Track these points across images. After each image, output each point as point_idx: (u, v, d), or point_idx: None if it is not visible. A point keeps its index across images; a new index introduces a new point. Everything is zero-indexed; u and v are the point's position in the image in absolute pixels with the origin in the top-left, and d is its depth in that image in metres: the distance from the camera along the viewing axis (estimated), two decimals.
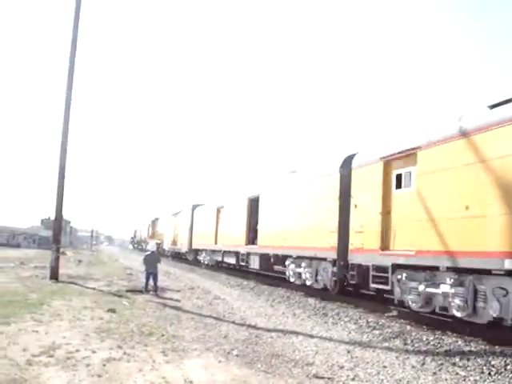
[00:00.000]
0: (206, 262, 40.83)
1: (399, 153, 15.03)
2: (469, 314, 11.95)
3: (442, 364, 9.70)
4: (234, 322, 13.53)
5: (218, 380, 7.83)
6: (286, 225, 22.91)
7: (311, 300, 18.40)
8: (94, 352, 8.88)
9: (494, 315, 11.14)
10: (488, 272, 11.31)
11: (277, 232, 23.99)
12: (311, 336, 12.15)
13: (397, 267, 14.54)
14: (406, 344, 11.47)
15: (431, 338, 11.78)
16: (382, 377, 8.76)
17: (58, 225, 23.13)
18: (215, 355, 9.47)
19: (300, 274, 21.53)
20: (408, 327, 13.08)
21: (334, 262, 18.34)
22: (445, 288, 12.57)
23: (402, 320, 14.21)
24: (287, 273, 23.00)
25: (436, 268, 12.93)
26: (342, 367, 9.26)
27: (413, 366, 9.57)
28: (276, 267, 26.04)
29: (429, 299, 13.49)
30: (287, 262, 22.95)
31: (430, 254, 13.00)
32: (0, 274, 23.67)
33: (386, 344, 11.54)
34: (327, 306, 16.96)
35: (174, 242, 53.91)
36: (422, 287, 13.37)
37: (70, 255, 49.10)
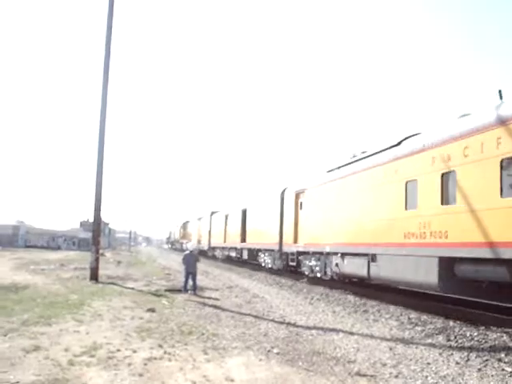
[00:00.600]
0: (219, 257, 52.98)
1: (300, 190, 27.41)
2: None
3: (487, 360, 9.45)
4: (273, 320, 13.44)
5: (260, 378, 7.76)
6: (258, 228, 36.38)
7: (350, 297, 18.22)
8: (134, 351, 8.91)
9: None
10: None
11: (254, 233, 37.67)
12: (352, 333, 11.99)
13: (299, 253, 26.78)
14: (449, 340, 11.23)
15: (475, 334, 11.50)
16: (426, 373, 8.58)
17: (96, 226, 23.37)
18: (255, 353, 9.40)
19: (265, 260, 34.89)
20: (451, 323, 12.79)
21: (278, 251, 30.66)
22: (313, 262, 24.62)
23: (444, 316, 13.92)
24: (260, 260, 36.25)
25: (320, 253, 23.61)
26: (384, 364, 9.10)
27: (457, 363, 9.35)
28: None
29: (312, 269, 24.97)
30: (260, 254, 36.14)
31: (313, 246, 24.54)
32: (41, 275, 24.05)
33: (429, 340, 11.32)
34: (367, 302, 16.76)
35: (199, 242, 64.39)
36: (307, 263, 25.52)
37: (109, 256, 49.66)
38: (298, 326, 12.70)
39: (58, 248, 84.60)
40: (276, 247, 30.56)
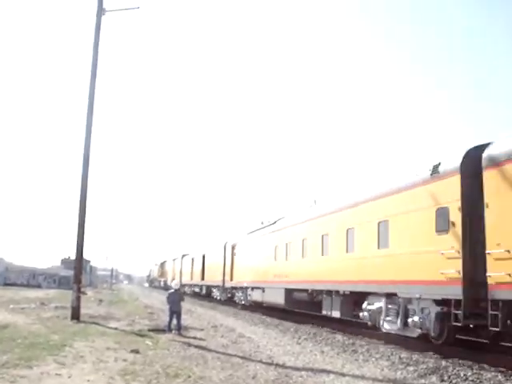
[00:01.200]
0: (188, 292, 60.91)
1: (234, 243, 40.40)
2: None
3: None
4: (261, 361, 13.09)
5: None
6: (211, 269, 48.38)
7: (339, 336, 17.90)
8: None
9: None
10: None
11: (209, 273, 50.15)
12: (342, 374, 11.68)
13: (233, 288, 39.83)
14: (443, 381, 10.96)
15: (469, 374, 11.23)
16: None
17: (78, 265, 22.91)
18: None
19: (215, 293, 46.45)
20: (443, 362, 12.50)
21: (222, 287, 42.99)
22: (240, 294, 37.83)
23: (436, 355, 13.66)
24: (212, 294, 48.17)
25: (242, 287, 36.79)
26: None
27: None
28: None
29: (240, 299, 37.50)
30: (213, 289, 47.75)
31: (239, 283, 37.33)
32: (21, 315, 23.43)
33: (422, 381, 11.05)
34: (356, 342, 16.45)
35: (173, 279, 67.40)
36: (237, 294, 38.65)
37: (90, 295, 48.80)
38: (286, 367, 12.36)
39: (39, 286, 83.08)
40: (221, 284, 43.49)
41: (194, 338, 17.50)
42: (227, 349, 15.17)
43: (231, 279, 39.63)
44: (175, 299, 19.24)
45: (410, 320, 14.87)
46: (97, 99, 22.92)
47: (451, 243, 13.25)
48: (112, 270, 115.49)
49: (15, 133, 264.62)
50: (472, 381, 10.75)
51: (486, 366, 12.11)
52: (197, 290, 57.86)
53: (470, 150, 13.61)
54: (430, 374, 11.54)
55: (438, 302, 13.92)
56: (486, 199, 12.41)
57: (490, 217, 12.26)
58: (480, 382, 10.64)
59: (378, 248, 16.77)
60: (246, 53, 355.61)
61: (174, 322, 18.84)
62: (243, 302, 36.22)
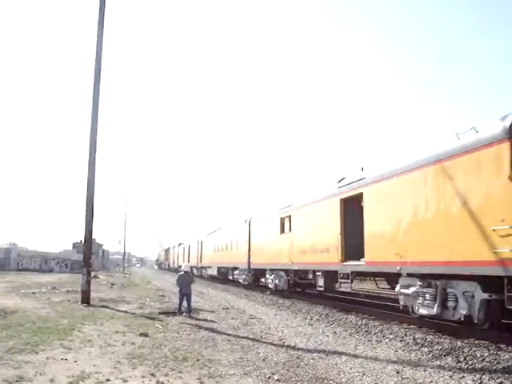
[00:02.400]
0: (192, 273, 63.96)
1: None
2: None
3: (501, 383, 8.91)
4: (272, 343, 12.86)
5: None
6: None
7: (351, 317, 17.57)
8: (125, 381, 8.31)
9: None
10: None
11: (207, 256, 54.84)
12: (355, 356, 11.42)
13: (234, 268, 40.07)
14: (459, 362, 10.63)
15: (486, 354, 10.87)
16: None
17: (87, 248, 22.78)
18: (255, 380, 8.82)
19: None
20: (459, 343, 12.17)
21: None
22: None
23: (451, 336, 13.32)
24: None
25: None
26: None
27: None
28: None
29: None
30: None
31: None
32: (32, 299, 23.34)
33: (438, 362, 10.75)
34: (369, 322, 16.14)
35: (173, 262, 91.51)
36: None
37: (102, 278, 48.74)
38: (298, 349, 12.13)
39: (51, 271, 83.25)
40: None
41: (205, 320, 17.31)
42: (238, 331, 14.96)
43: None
44: (185, 282, 19.05)
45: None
46: (103, 88, 22.63)
47: None
48: (124, 254, 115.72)
49: (25, 119, 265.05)
50: (489, 362, 10.40)
51: (503, 346, 11.75)
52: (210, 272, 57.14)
53: None
54: (445, 355, 11.23)
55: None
56: None
57: None
58: (497, 362, 10.28)
59: None
60: (247, 42, 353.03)
61: (185, 304, 18.66)
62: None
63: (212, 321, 17.15)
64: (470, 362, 10.51)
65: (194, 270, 59.98)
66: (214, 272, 51.61)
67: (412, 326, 15.11)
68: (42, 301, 22.52)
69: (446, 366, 10.40)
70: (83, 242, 23.95)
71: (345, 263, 19.02)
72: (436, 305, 13.82)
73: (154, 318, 16.99)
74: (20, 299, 23.28)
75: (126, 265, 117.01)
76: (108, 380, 8.33)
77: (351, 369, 10.11)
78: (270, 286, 30.22)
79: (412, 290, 14.85)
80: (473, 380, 9.15)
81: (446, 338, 12.99)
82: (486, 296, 12.24)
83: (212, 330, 14.97)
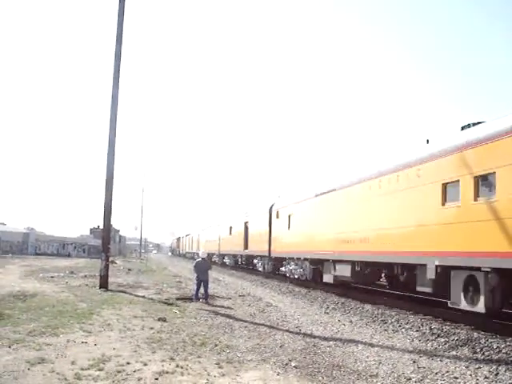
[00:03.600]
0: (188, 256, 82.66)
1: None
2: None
3: None
4: (288, 331, 12.94)
5: None
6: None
7: (368, 306, 17.61)
8: (145, 364, 8.43)
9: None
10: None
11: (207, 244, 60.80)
12: (372, 345, 11.46)
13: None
14: (475, 352, 10.65)
15: (502, 346, 10.88)
16: None
17: (106, 233, 22.99)
18: (272, 367, 8.91)
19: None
20: (475, 334, 12.18)
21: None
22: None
23: (468, 326, 13.33)
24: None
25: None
26: (409, 379, 8.58)
27: (486, 377, 8.81)
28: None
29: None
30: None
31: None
32: (50, 283, 23.66)
33: (454, 352, 10.77)
34: (385, 312, 16.17)
35: (183, 249, 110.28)
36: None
37: (119, 264, 49.21)
38: (314, 337, 12.20)
39: (68, 255, 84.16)
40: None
41: (222, 306, 17.44)
42: (254, 318, 15.06)
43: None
44: (202, 268, 19.18)
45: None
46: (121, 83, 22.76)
47: None
48: (141, 239, 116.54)
49: (46, 106, 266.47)
50: (506, 353, 10.41)
51: None
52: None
53: None
54: (461, 346, 11.26)
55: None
56: None
57: None
58: None
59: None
60: (251, 35, 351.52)
61: (202, 290, 18.80)
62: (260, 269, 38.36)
63: (229, 307, 17.27)
64: (486, 353, 10.53)
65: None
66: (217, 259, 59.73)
67: (428, 317, 15.11)
68: (60, 285, 22.83)
69: (463, 356, 10.42)
70: (101, 227, 24.19)
71: None
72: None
73: (171, 304, 17.17)
74: (39, 283, 23.61)
75: (142, 251, 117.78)
76: (128, 363, 8.46)
77: (368, 357, 10.16)
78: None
79: None
80: (489, 371, 9.16)
81: (462, 329, 13.00)
82: None
83: (229, 316, 15.10)
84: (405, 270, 17.43)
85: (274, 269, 34.65)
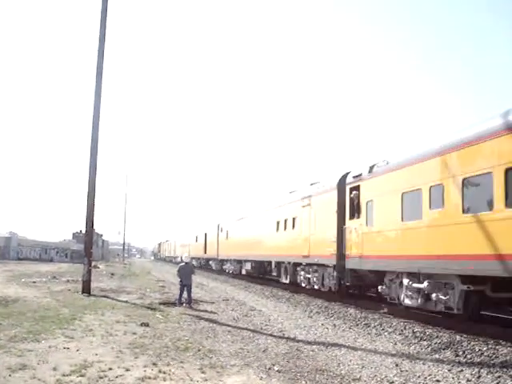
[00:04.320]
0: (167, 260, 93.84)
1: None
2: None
3: (499, 377, 8.97)
4: (272, 335, 12.95)
5: None
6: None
7: (351, 310, 17.67)
8: (127, 370, 8.37)
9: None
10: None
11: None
12: (355, 348, 11.51)
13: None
14: (457, 355, 10.72)
15: (484, 349, 10.94)
16: None
17: (89, 238, 22.85)
18: (255, 371, 8.90)
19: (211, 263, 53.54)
20: (458, 337, 12.25)
21: (217, 259, 48.46)
22: (229, 265, 44.91)
23: (450, 330, 13.41)
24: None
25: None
26: (391, 382, 8.65)
27: (468, 380, 8.90)
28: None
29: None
30: (211, 261, 54.56)
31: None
32: (32, 288, 23.47)
33: (436, 356, 10.84)
34: (368, 315, 16.23)
35: (163, 254, 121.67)
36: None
37: (102, 268, 48.94)
38: (298, 341, 12.23)
39: (51, 260, 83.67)
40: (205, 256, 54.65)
41: (205, 311, 17.41)
42: (238, 322, 15.06)
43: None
44: (186, 272, 19.14)
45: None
46: (105, 79, 22.65)
47: None
48: (124, 244, 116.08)
49: (25, 109, 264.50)
50: (487, 356, 10.49)
51: (501, 341, 11.82)
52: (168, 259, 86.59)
53: None
54: (444, 349, 11.33)
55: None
56: None
57: None
58: (496, 357, 10.36)
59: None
60: (250, 31, 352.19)
61: (185, 295, 18.75)
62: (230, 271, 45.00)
63: (212, 312, 17.25)
64: (468, 356, 10.60)
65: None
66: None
67: (411, 320, 15.18)
68: (42, 290, 22.64)
69: (445, 359, 10.50)
70: (84, 231, 24.04)
71: None
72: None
73: (154, 309, 17.09)
74: (21, 288, 23.40)
75: (125, 255, 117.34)
76: (110, 369, 8.40)
77: (350, 361, 10.20)
78: (230, 271, 43.19)
79: None
80: (471, 374, 9.23)
81: (444, 332, 13.07)
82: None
83: (212, 320, 15.07)
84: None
85: (221, 267, 48.59)
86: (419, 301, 14.81)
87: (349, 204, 19.64)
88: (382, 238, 17.19)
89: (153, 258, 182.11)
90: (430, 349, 11.46)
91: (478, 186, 12.65)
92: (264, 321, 15.51)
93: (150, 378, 7.96)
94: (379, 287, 17.35)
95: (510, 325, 13.38)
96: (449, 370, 9.50)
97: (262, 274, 34.25)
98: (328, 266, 21.29)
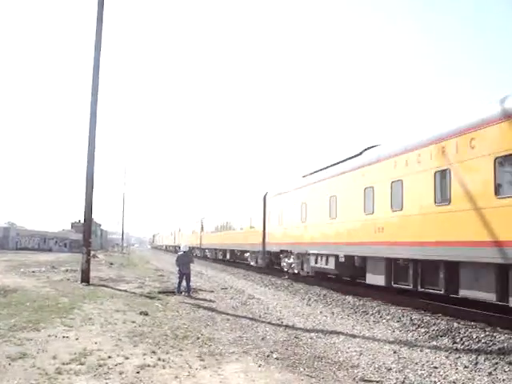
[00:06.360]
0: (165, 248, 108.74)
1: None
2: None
3: (496, 363, 9.06)
4: (270, 323, 13.00)
5: None
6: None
7: (349, 298, 17.76)
8: (126, 358, 8.42)
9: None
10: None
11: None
12: (353, 336, 11.58)
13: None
14: (455, 342, 10.82)
15: (482, 336, 11.04)
16: (435, 379, 8.18)
17: (87, 227, 22.83)
18: (254, 359, 8.94)
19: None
20: (455, 324, 12.32)
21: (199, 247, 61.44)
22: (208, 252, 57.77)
23: (448, 317, 13.48)
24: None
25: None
26: (389, 369, 8.69)
27: (465, 366, 8.97)
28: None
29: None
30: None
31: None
32: (31, 278, 23.47)
33: (434, 343, 10.93)
34: (367, 303, 16.31)
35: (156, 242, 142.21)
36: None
37: (101, 258, 48.96)
38: (296, 329, 12.28)
39: (50, 250, 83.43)
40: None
41: (204, 299, 17.47)
42: (237, 310, 15.12)
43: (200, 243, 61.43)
44: (184, 261, 19.14)
45: None
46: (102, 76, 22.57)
47: None
48: (123, 233, 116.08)
49: (25, 101, 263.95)
50: (485, 343, 10.58)
51: (499, 328, 11.90)
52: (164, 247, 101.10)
53: None
54: (441, 336, 11.42)
55: None
56: None
57: None
58: (493, 344, 10.46)
59: None
60: (253, 25, 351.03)
61: (184, 284, 18.79)
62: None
63: (211, 300, 17.31)
64: (466, 343, 10.70)
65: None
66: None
67: (409, 307, 15.26)
68: (41, 279, 22.65)
69: (443, 346, 10.59)
70: (83, 221, 24.02)
71: None
72: None
73: (153, 298, 17.14)
74: (20, 278, 23.40)
75: (124, 244, 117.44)
76: (110, 357, 8.44)
77: (349, 348, 10.26)
78: (210, 256, 54.09)
79: None
80: (468, 360, 9.32)
81: (442, 319, 13.15)
82: None
83: (211, 309, 15.13)
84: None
85: (203, 254, 59.96)
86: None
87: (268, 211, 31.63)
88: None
89: (149, 246, 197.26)
90: (427, 336, 11.55)
91: None
92: (263, 309, 15.57)
93: (149, 365, 8.00)
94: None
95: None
96: (446, 357, 9.59)
97: (234, 258, 43.57)
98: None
